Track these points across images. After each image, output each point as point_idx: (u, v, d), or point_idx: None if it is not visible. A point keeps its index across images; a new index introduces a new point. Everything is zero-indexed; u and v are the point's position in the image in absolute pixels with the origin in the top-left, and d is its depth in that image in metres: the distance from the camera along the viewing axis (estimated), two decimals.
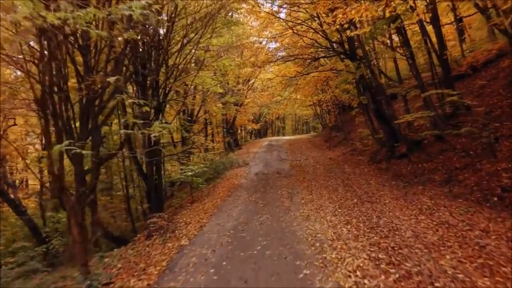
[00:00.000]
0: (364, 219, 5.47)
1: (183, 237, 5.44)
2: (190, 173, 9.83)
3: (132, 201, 12.02)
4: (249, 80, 23.66)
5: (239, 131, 29.80)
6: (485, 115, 8.13)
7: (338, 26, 7.58)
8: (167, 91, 10.26)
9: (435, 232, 4.34)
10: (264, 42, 16.49)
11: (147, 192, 10.68)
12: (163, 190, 11.84)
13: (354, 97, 12.67)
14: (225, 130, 22.80)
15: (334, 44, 12.11)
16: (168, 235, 5.53)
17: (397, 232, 4.59)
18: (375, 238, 4.52)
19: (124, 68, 9.49)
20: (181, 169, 11.29)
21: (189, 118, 17.97)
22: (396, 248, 4.02)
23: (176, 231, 5.77)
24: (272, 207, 7.06)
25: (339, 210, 6.11)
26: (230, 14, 11.34)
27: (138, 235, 6.25)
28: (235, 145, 23.29)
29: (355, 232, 4.88)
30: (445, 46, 9.95)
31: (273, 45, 18.30)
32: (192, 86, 14.67)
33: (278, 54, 14.45)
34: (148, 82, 10.21)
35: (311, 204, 6.89)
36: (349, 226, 5.18)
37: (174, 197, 13.11)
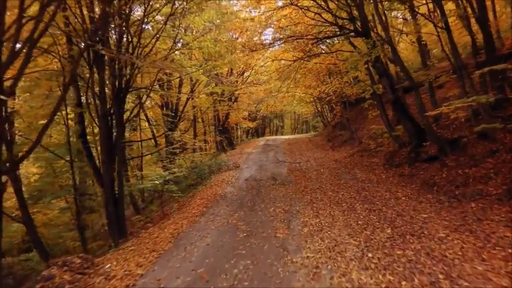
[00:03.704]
0: (424, 281, 2.90)
1: None
2: (157, 182, 7.51)
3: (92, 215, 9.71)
4: (243, 73, 21.44)
5: (234, 130, 27.54)
6: None
7: None
8: (129, 74, 7.94)
9: None
10: (259, 28, 14.26)
11: (105, 204, 8.44)
12: (125, 200, 9.52)
13: (367, 86, 10.43)
14: (215, 128, 20.50)
15: (341, 20, 9.82)
16: None
17: None
18: None
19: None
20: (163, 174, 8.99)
21: (173, 114, 15.65)
22: None
23: None
24: (258, 240, 4.66)
25: (370, 255, 3.58)
26: None
27: None
28: (228, 145, 21.01)
29: None
30: (487, 18, 7.74)
31: (269, 30, 15.99)
32: (174, 75, 12.39)
33: (277, 41, 12.15)
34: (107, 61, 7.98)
35: (319, 237, 4.45)
36: None
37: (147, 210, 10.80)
